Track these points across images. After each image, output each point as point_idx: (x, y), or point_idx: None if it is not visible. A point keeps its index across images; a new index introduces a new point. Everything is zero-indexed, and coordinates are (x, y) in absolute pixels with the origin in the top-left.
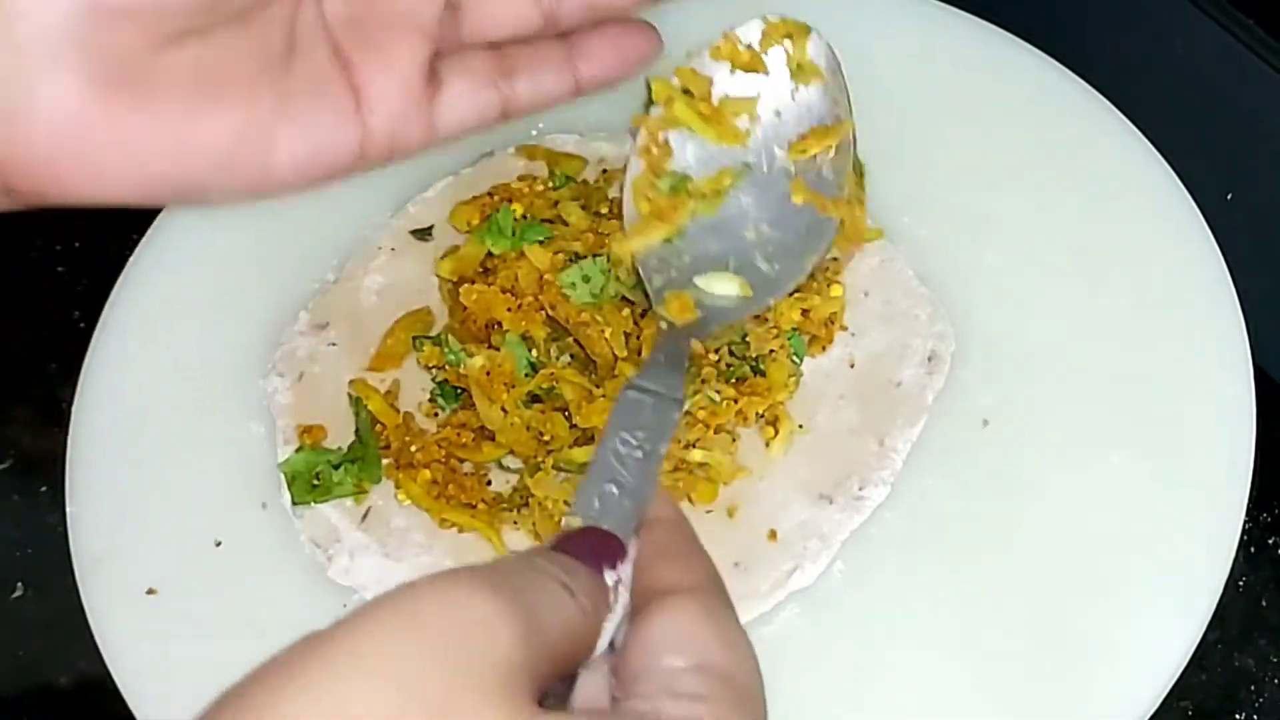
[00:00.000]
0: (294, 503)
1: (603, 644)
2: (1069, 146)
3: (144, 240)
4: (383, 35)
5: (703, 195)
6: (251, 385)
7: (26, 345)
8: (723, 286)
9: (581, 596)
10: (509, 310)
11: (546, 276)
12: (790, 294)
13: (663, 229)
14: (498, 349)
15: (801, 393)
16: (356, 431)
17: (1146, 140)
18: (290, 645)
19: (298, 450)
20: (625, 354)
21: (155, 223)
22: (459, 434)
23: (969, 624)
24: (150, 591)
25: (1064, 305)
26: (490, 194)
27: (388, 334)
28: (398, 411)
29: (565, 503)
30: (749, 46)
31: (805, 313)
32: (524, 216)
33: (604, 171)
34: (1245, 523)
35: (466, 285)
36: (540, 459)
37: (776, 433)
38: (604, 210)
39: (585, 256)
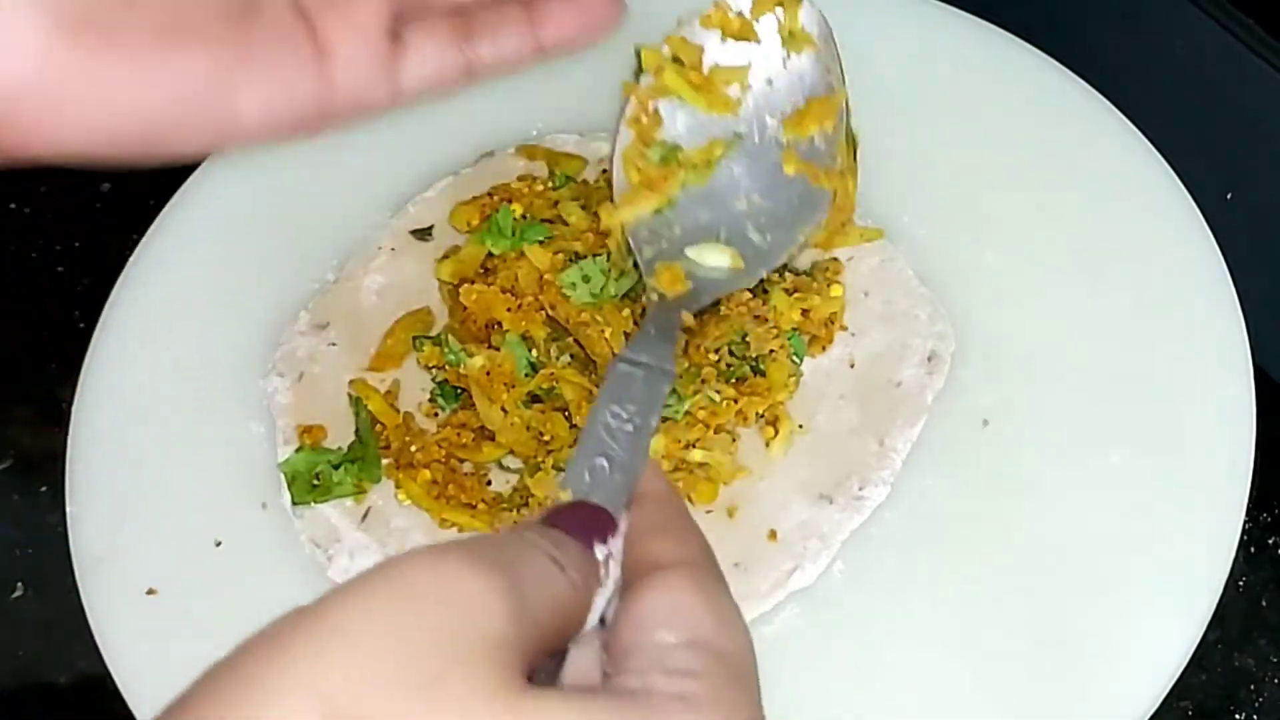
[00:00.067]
0: (294, 503)
1: (593, 619)
2: (1069, 146)
3: (144, 240)
4: None
5: (693, 165)
6: (251, 385)
7: (26, 345)
8: (714, 258)
9: (572, 571)
10: (509, 310)
11: (546, 276)
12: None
13: (653, 199)
14: (498, 349)
15: (801, 393)
16: (356, 431)
17: (1146, 140)
18: (277, 619)
19: (298, 450)
20: None
21: (155, 223)
22: (459, 434)
23: (969, 624)
24: (150, 591)
25: (1064, 305)
26: (490, 194)
27: (388, 334)
28: (398, 411)
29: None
30: (740, 14)
31: (805, 313)
32: (524, 216)
33: (604, 171)
34: (1245, 523)
35: (466, 285)
36: (540, 459)
37: (776, 433)
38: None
39: (585, 256)
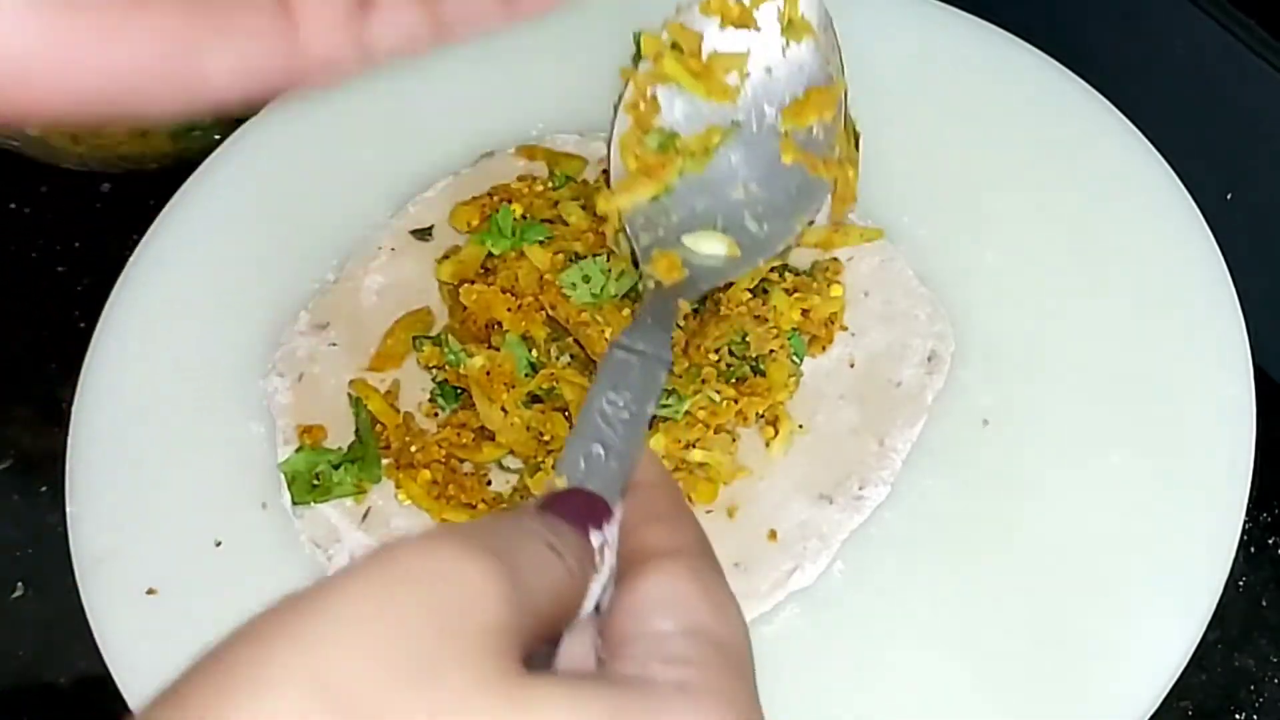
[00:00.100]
0: (294, 503)
1: (588, 607)
2: (1069, 146)
3: (144, 240)
4: None
5: (691, 153)
6: (251, 385)
7: (26, 345)
8: (711, 246)
9: (568, 557)
10: (509, 310)
11: (546, 276)
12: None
13: (650, 186)
14: (498, 349)
15: (801, 393)
16: (356, 431)
17: (1146, 140)
18: (269, 607)
19: (298, 450)
20: None
21: (155, 223)
22: (459, 434)
23: (969, 624)
24: (150, 591)
25: (1064, 305)
26: (490, 194)
27: (388, 334)
28: (398, 411)
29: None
30: (739, 1)
31: (805, 313)
32: (524, 216)
33: (604, 171)
34: (1245, 523)
35: (466, 285)
36: (540, 459)
37: (776, 433)
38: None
39: (585, 256)
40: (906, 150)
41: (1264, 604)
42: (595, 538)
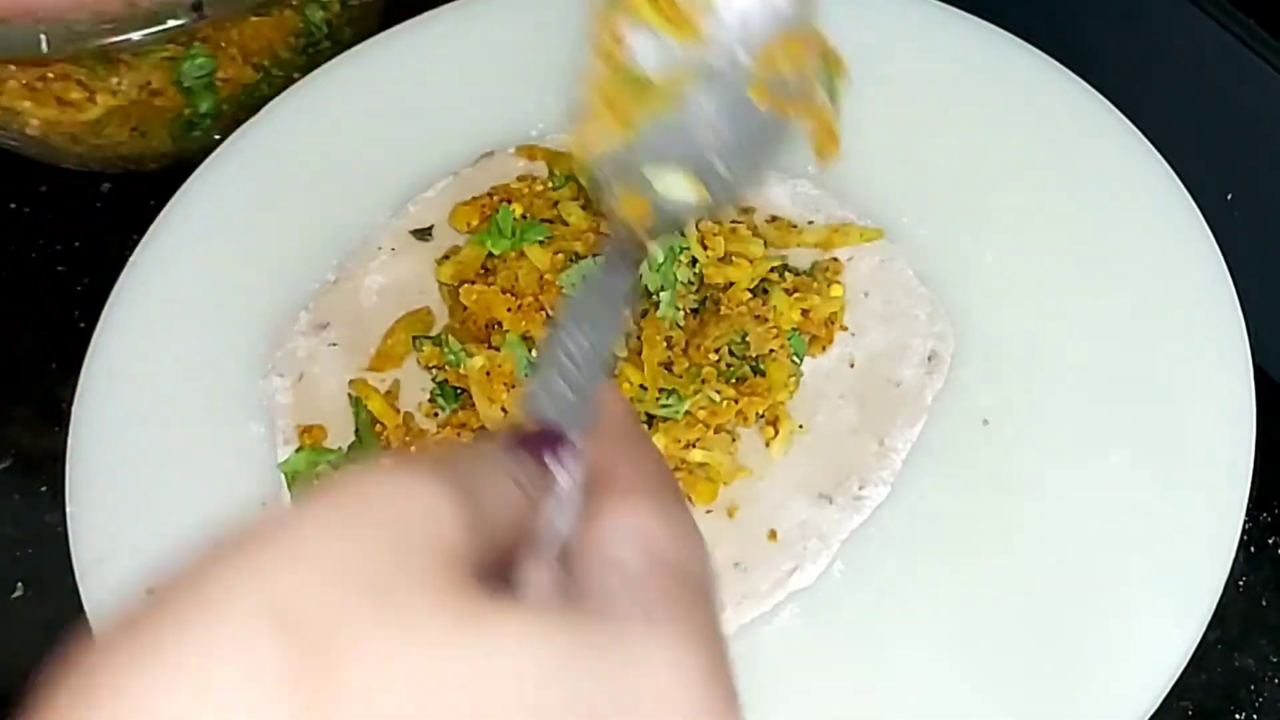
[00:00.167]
0: (294, 502)
1: (551, 539)
2: (1069, 146)
3: (144, 240)
4: None
5: (660, 94)
6: (251, 385)
7: (26, 345)
8: (679, 190)
9: (529, 487)
10: (509, 310)
11: (546, 276)
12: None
13: (617, 126)
14: (498, 349)
15: (801, 393)
16: (356, 431)
17: (1146, 140)
18: (226, 532)
19: (298, 450)
20: (625, 354)
21: (155, 223)
22: (459, 434)
23: (969, 624)
24: (150, 591)
25: (1064, 305)
26: (490, 194)
27: (388, 334)
28: (398, 411)
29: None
30: None
31: (805, 313)
32: (524, 216)
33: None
34: (1245, 523)
35: (466, 285)
36: None
37: (776, 433)
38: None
39: (585, 256)
40: (906, 150)
41: (1264, 604)
42: (557, 470)
